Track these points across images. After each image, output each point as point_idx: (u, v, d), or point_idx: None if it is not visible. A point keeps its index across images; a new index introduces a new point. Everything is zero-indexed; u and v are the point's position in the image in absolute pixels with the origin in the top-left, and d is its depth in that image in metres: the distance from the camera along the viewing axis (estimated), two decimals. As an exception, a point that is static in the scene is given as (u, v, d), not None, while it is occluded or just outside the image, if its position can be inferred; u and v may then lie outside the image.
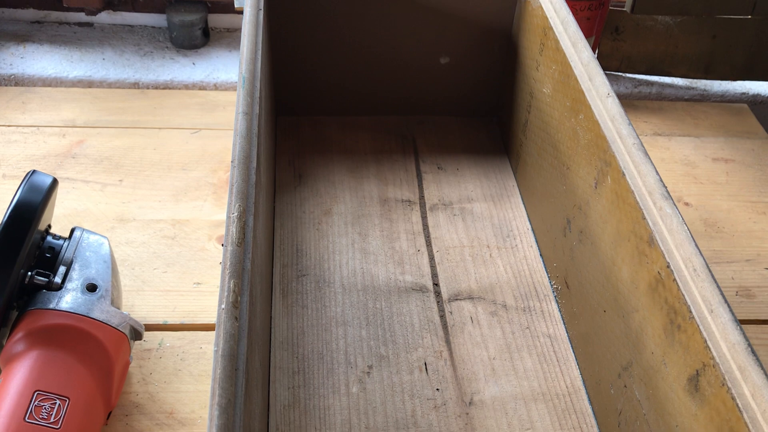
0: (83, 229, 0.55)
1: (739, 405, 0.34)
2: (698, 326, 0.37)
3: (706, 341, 0.37)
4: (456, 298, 0.60)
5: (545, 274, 0.62)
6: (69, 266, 0.52)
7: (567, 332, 0.58)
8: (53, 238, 0.53)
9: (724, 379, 0.35)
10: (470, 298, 0.60)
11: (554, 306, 0.60)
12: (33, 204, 0.49)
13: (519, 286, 0.61)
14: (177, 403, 0.54)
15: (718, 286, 0.38)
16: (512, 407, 0.53)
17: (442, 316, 0.59)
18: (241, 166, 0.42)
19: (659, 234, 0.42)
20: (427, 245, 0.65)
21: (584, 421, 0.52)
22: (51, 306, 0.49)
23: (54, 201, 0.53)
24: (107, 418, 0.50)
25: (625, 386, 0.47)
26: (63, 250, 0.53)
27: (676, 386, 0.40)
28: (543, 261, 0.63)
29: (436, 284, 0.61)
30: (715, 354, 0.36)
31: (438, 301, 0.60)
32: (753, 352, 0.34)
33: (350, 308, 0.59)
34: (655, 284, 0.42)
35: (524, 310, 0.60)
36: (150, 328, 0.59)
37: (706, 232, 0.71)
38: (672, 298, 0.40)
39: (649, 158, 0.45)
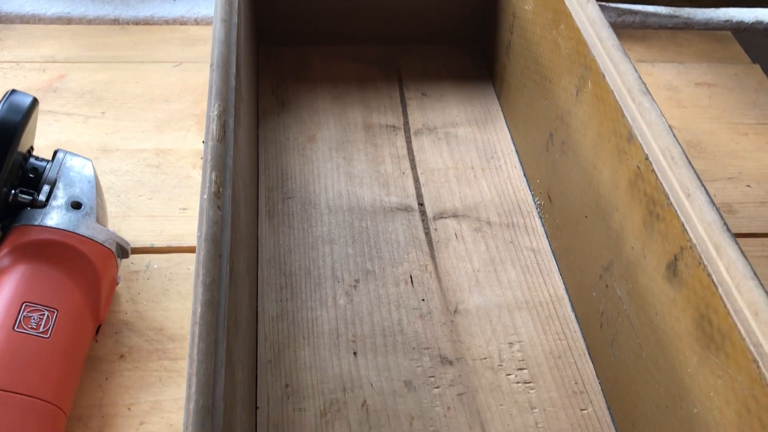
0: (66, 152, 0.55)
1: (715, 281, 0.35)
2: (676, 212, 0.38)
3: (683, 225, 0.37)
4: (441, 216, 0.61)
5: (528, 191, 0.63)
6: (53, 185, 0.52)
7: (550, 245, 0.59)
8: (36, 159, 0.53)
9: (701, 258, 0.36)
10: (455, 216, 0.61)
11: (537, 221, 0.61)
12: (13, 122, 0.49)
13: (503, 204, 0.62)
14: (166, 321, 0.54)
15: (695, 172, 0.38)
16: (496, 315, 0.54)
17: (427, 234, 0.59)
18: (220, 69, 0.42)
19: (638, 129, 0.42)
20: (412, 168, 0.65)
21: (567, 327, 0.53)
22: (36, 222, 0.49)
23: (35, 121, 0.53)
24: (96, 333, 0.51)
25: (607, 286, 0.48)
26: (46, 171, 0.53)
27: (655, 275, 0.41)
28: (526, 180, 0.64)
29: (421, 204, 0.62)
30: (692, 236, 0.37)
31: (423, 220, 0.60)
32: (728, 229, 0.35)
33: (336, 228, 0.59)
34: (634, 179, 0.43)
35: (508, 226, 0.60)
36: (137, 251, 0.59)
37: (689, 153, 0.72)
38: (651, 189, 0.41)
39: (628, 57, 0.45)
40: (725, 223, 0.36)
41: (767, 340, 0.31)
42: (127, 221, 0.61)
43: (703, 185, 0.37)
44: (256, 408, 0.47)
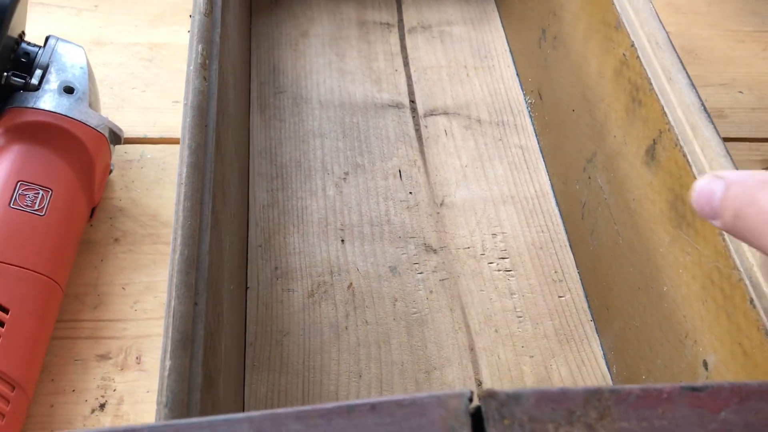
0: (58, 38, 0.55)
1: (690, 161, 0.36)
2: (657, 96, 0.39)
3: (663, 108, 0.38)
4: (431, 113, 0.61)
5: (520, 91, 0.63)
6: (45, 70, 0.52)
7: (538, 142, 0.59)
8: (28, 45, 0.53)
9: (677, 139, 0.37)
10: (445, 113, 0.61)
11: (527, 120, 0.61)
12: (3, 2, 0.49)
13: (494, 103, 0.62)
14: (159, 208, 0.55)
15: (677, 56, 0.38)
16: (481, 208, 0.55)
17: (417, 130, 0.60)
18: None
19: (626, 16, 0.42)
20: (405, 65, 0.65)
21: (550, 220, 0.54)
22: (29, 105, 0.50)
23: (25, 5, 0.53)
24: (91, 217, 0.52)
25: (589, 178, 0.49)
26: (38, 56, 0.53)
27: (634, 162, 0.42)
28: (519, 79, 0.64)
29: (412, 101, 0.62)
30: (671, 118, 0.37)
31: (414, 116, 0.61)
32: (705, 110, 0.36)
33: (327, 122, 0.60)
34: (619, 67, 0.43)
35: (498, 124, 0.61)
36: (130, 141, 0.60)
37: (683, 58, 0.72)
38: (634, 75, 0.41)
39: (621, -56, 0.45)
40: (703, 105, 0.36)
41: (733, 214, 0.33)
42: (121, 112, 0.62)
43: (684, 68, 0.38)
44: (247, 288, 0.49)
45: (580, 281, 0.51)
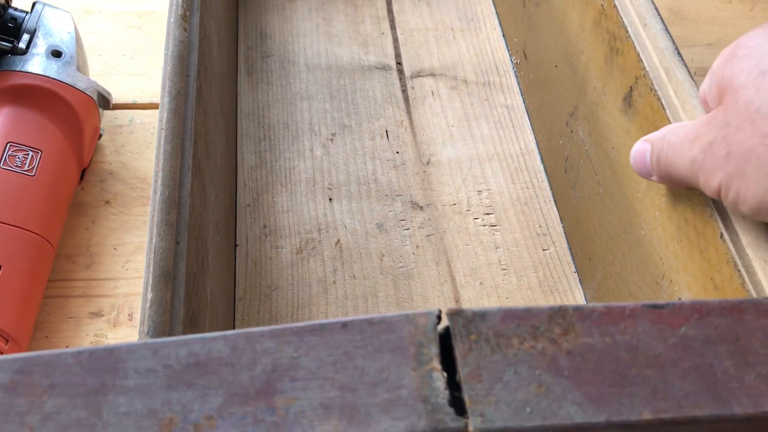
0: (45, 3, 0.55)
1: (664, 104, 0.36)
2: (633, 43, 0.39)
3: (639, 54, 0.39)
4: (418, 75, 0.62)
5: (506, 51, 0.63)
6: (32, 34, 0.52)
7: (524, 101, 0.60)
8: (15, 10, 0.54)
9: (652, 84, 0.37)
10: (432, 75, 0.62)
11: (513, 80, 0.61)
12: (-12, -33, 0.49)
13: (480, 64, 0.63)
14: (149, 171, 0.56)
15: (653, 3, 0.39)
16: (467, 166, 0.55)
17: (404, 91, 0.60)
18: None
19: (604, -34, 0.43)
20: (392, 28, 0.65)
21: (535, 177, 0.55)
22: (17, 68, 0.50)
23: (11, -29, 0.53)
24: (82, 179, 0.53)
25: (572, 131, 0.49)
26: (25, 21, 0.53)
27: (613, 111, 0.42)
28: (505, 40, 0.64)
29: (399, 63, 0.62)
30: (646, 64, 0.38)
31: (400, 78, 0.61)
32: (679, 54, 0.36)
33: (314, 85, 0.60)
34: (598, 18, 0.43)
35: (484, 85, 0.61)
36: (120, 107, 0.60)
37: (669, 19, 0.72)
38: (612, 25, 0.42)
39: None
40: (676, 48, 0.37)
41: (705, 152, 0.33)
42: (110, 79, 0.62)
43: (659, 14, 0.38)
44: (236, 245, 0.50)
45: (563, 234, 0.52)
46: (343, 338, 0.22)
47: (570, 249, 0.51)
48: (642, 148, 0.32)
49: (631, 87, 0.40)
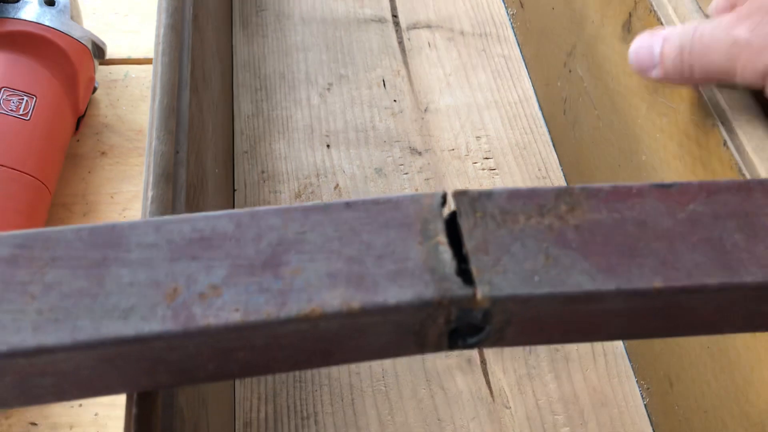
0: (36, -46, 0.55)
1: (664, 23, 0.36)
2: (632, -33, 0.39)
3: (638, -22, 0.38)
4: (414, 27, 0.61)
5: (502, 3, 0.63)
6: (25, -17, 0.52)
7: (521, 52, 0.59)
8: (6, -40, 0.53)
9: (652, 6, 0.37)
10: (428, 26, 0.61)
11: (510, 31, 0.61)
12: None
13: (476, 15, 0.62)
14: (145, 123, 0.56)
15: (652, -75, 0.39)
16: (465, 113, 0.55)
17: (401, 42, 0.60)
18: None
19: None
20: (387, -17, 0.65)
21: (533, 123, 0.55)
22: (10, 16, 0.50)
23: None
24: (77, 129, 0.52)
25: (570, 71, 0.49)
26: (17, -29, 0.53)
27: (612, 41, 0.42)
28: (501, -8, 0.64)
29: (395, 15, 0.62)
30: (645, -14, 0.38)
31: (397, 30, 0.61)
32: (678, -29, 0.36)
33: (310, 37, 0.60)
34: (596, -51, 0.43)
35: (480, 36, 0.61)
36: (115, 62, 0.60)
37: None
38: (611, -47, 0.41)
39: None
40: (677, -33, 0.36)
41: (707, 64, 0.33)
42: (104, 36, 0.61)
43: (658, -65, 0.38)
44: (234, 191, 0.50)
45: (563, 176, 0.52)
46: (349, 216, 0.22)
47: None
48: (649, 42, 0.32)
49: (630, 13, 0.39)
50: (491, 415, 0.41)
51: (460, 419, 0.40)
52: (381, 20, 0.62)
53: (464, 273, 0.21)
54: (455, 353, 0.42)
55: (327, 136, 0.53)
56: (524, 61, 0.59)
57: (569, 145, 0.50)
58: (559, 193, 0.23)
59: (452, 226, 0.22)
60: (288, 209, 0.22)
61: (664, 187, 0.23)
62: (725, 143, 0.31)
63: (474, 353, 0.43)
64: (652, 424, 0.41)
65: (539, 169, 0.52)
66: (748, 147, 0.30)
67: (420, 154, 0.53)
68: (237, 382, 0.41)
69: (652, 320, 0.22)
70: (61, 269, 0.20)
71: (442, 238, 0.21)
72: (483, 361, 0.43)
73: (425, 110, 0.55)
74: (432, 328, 0.21)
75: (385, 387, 0.41)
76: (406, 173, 0.51)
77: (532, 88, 0.57)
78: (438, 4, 0.63)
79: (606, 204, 0.22)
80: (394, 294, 0.20)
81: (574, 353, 0.43)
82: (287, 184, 0.50)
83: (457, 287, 0.20)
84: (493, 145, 0.53)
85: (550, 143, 0.53)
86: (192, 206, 0.29)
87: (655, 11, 0.37)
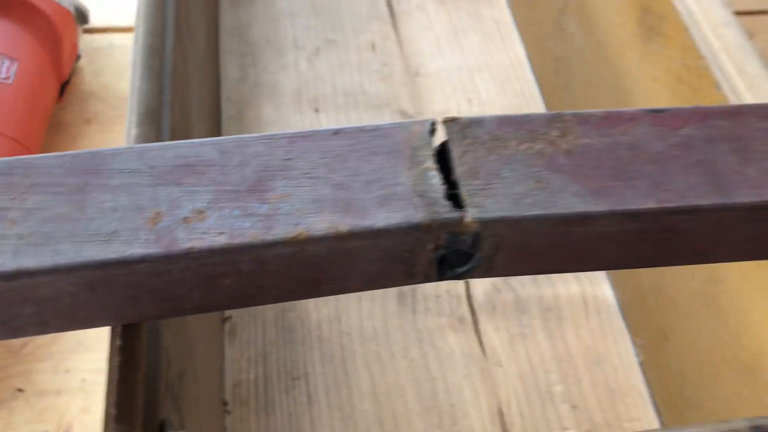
0: None
1: (655, -30, 0.36)
2: None
3: (628, -74, 0.38)
4: (403, -8, 0.61)
5: (492, -32, 0.63)
6: (5, -53, 0.51)
7: (512, 16, 0.59)
8: (-14, -75, 0.52)
9: (643, -48, 0.37)
10: (417, -9, 0.61)
11: (500, -5, 0.61)
12: None
13: (466, -20, 0.62)
14: (131, 90, 0.55)
15: None
16: (456, 76, 0.55)
17: (390, 6, 0.59)
18: None
19: None
20: (375, -50, 0.64)
21: (526, 86, 0.54)
22: (-9, -21, 0.49)
23: None
24: (61, 96, 0.52)
25: (562, 29, 0.48)
26: (-2, -65, 0.52)
27: (603, -6, 0.42)
28: (490, -43, 0.63)
29: (383, -19, 0.61)
30: (636, -66, 0.37)
31: (385, -4, 0.60)
32: None
33: (297, 2, 0.59)
34: None
35: (471, 0, 0.60)
36: (98, 30, 0.59)
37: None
38: None
39: None
40: None
41: (699, 7, 0.33)
42: (87, 2, 0.60)
43: None
44: (221, 155, 0.49)
45: (555, 138, 0.51)
46: (336, 143, 0.21)
47: (561, 150, 0.50)
48: None
49: (621, -38, 0.39)
50: (483, 374, 0.40)
51: (452, 377, 0.40)
52: (369, -14, 0.61)
53: (454, 198, 0.21)
54: (447, 312, 0.42)
55: (315, 100, 0.53)
56: (516, 24, 0.58)
57: (562, 106, 0.50)
58: (550, 119, 0.22)
59: (442, 154, 0.22)
60: (274, 136, 0.21)
61: (656, 112, 0.23)
62: (718, 85, 0.31)
63: (466, 312, 0.43)
64: (646, 380, 0.41)
65: (530, 131, 0.52)
66: (741, 86, 0.30)
67: (411, 117, 0.52)
68: (226, 343, 0.41)
69: (646, 246, 0.22)
70: (41, 195, 0.19)
71: (432, 163, 0.21)
72: (475, 321, 0.42)
73: (415, 74, 0.55)
74: (421, 254, 0.21)
75: (377, 346, 0.41)
76: (397, 136, 0.51)
77: (524, 51, 0.57)
78: (427, -31, 0.62)
79: (598, 129, 0.22)
80: (383, 218, 0.20)
81: (567, 312, 0.43)
82: (276, 148, 0.49)
83: (446, 211, 0.20)
84: (485, 108, 0.53)
85: (543, 106, 0.53)
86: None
87: (646, -42, 0.36)
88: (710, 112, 0.23)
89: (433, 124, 0.22)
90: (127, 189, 0.20)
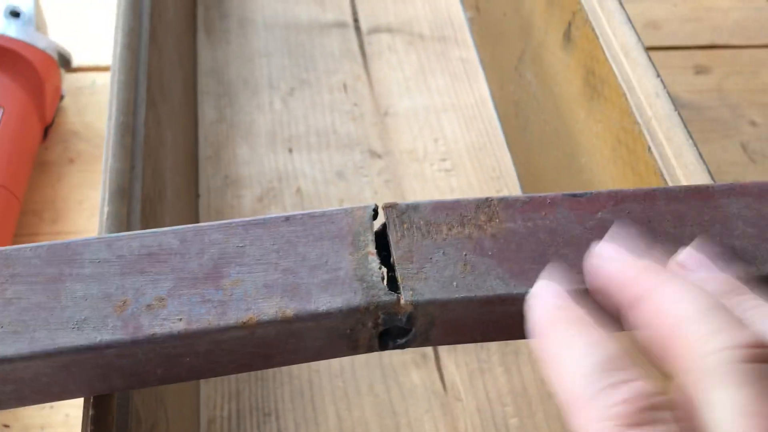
0: (1, -34, 0.56)
1: (597, 33, 0.38)
2: (570, -20, 0.41)
3: (575, -10, 0.41)
4: (375, 31, 0.63)
5: (460, 6, 0.65)
6: (-11, -4, 0.53)
7: (478, 55, 0.62)
8: (-29, -27, 0.54)
9: (587, 16, 0.39)
10: (388, 30, 0.63)
11: (467, 34, 0.63)
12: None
13: (435, 19, 0.64)
14: (112, 130, 0.57)
15: (587, -59, 0.41)
16: (423, 116, 0.57)
17: (361, 47, 0.62)
18: None
19: None
20: (348, -12, 0.66)
21: (489, 125, 0.57)
22: (-25, 29, 0.51)
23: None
24: (45, 138, 0.54)
25: (520, 76, 0.51)
26: (-18, -17, 0.54)
27: (555, 48, 0.44)
28: (458, -4, 0.66)
29: (356, 20, 0.64)
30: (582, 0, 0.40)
31: (358, 34, 0.63)
32: (610, -15, 0.38)
33: (273, 42, 0.61)
34: (539, -39, 0.45)
35: (439, 39, 0.63)
36: (81, 69, 0.61)
37: (619, -25, 0.74)
38: (551, -35, 0.44)
39: None
40: (608, -19, 0.39)
41: (635, 76, 0.35)
42: (70, 43, 0.63)
43: (592, -49, 0.40)
44: (197, 196, 0.51)
45: (516, 176, 0.54)
46: (286, 230, 0.24)
47: (522, 189, 0.53)
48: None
49: (569, 22, 0.42)
50: (444, 408, 0.43)
51: (414, 412, 0.42)
52: (342, 25, 0.63)
53: (391, 280, 0.23)
54: (410, 349, 0.45)
55: (289, 140, 0.55)
56: (481, 63, 0.61)
57: (521, 147, 0.53)
58: (479, 204, 0.25)
59: (383, 237, 0.24)
60: (230, 224, 0.24)
61: (576, 197, 0.25)
62: (649, 149, 0.34)
63: (429, 348, 0.45)
64: (596, 411, 0.43)
65: (493, 170, 0.54)
66: (669, 152, 0.33)
67: (380, 157, 0.55)
68: (202, 381, 0.43)
69: (564, 319, 0.24)
70: (20, 285, 0.22)
71: (372, 248, 0.24)
72: (437, 356, 0.45)
73: (385, 114, 0.57)
74: (362, 331, 0.23)
75: (343, 383, 0.43)
76: (366, 176, 0.53)
77: (488, 90, 0.59)
78: (398, 7, 0.65)
79: (522, 213, 0.25)
80: (325, 302, 0.22)
81: (523, 347, 0.46)
82: (250, 189, 0.52)
83: (383, 294, 0.23)
84: (450, 147, 0.56)
85: (505, 145, 0.56)
86: (149, 218, 0.31)
87: (590, 21, 0.39)
88: (624, 195, 0.25)
89: (375, 209, 0.25)
90: (98, 278, 0.22)
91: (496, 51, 0.57)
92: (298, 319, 0.22)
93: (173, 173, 0.40)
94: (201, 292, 0.22)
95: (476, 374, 0.44)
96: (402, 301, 0.22)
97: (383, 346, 0.24)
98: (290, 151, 0.54)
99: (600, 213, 0.25)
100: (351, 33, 0.63)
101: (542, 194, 0.25)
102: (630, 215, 0.25)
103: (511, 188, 0.53)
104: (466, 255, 0.23)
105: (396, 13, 0.65)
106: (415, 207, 0.25)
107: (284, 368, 0.43)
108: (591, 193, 0.25)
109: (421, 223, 0.24)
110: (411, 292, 0.23)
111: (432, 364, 0.44)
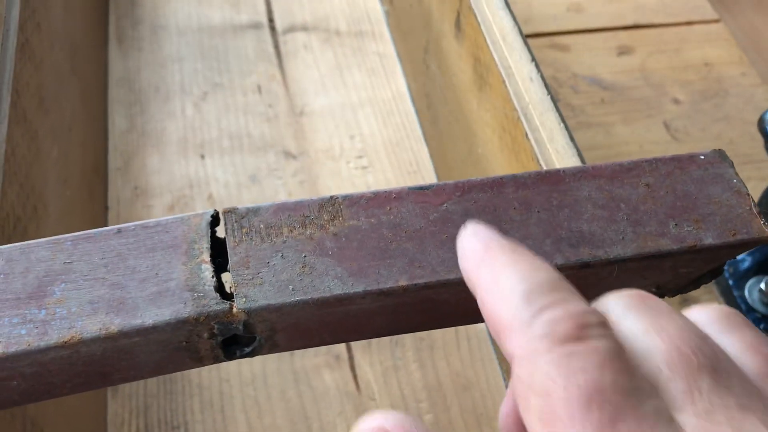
0: None
1: (481, 21, 0.38)
2: (455, -32, 0.40)
3: (460, -22, 0.40)
4: (290, 30, 0.62)
5: (377, 0, 0.65)
6: None
7: (395, 48, 0.61)
8: None
9: (470, 3, 0.39)
10: (304, 29, 0.62)
11: (385, 28, 0.63)
12: None
13: (352, 13, 0.64)
14: None
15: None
16: (340, 113, 0.57)
17: (276, 47, 0.61)
18: None
19: None
20: (264, -12, 0.66)
21: (407, 119, 0.56)
22: None
23: None
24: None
25: (428, 67, 0.51)
26: None
27: (450, 38, 0.44)
28: (375, -10, 0.65)
29: (271, 20, 0.63)
30: (466, -13, 0.39)
31: (273, 34, 0.62)
32: (491, -27, 0.38)
33: (185, 47, 0.60)
34: (431, -50, 0.45)
35: (356, 34, 0.62)
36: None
37: (541, -39, 0.74)
38: (440, -46, 0.43)
39: None
40: (489, -32, 0.38)
41: (512, 61, 0.35)
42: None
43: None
44: (106, 208, 0.50)
45: (433, 169, 0.53)
46: (117, 242, 0.23)
47: (438, 180, 0.52)
48: None
49: (458, 11, 0.41)
50: (357, 409, 0.42)
51: (326, 415, 0.42)
52: (257, 26, 0.62)
53: (224, 289, 0.22)
54: (323, 350, 0.44)
55: (201, 146, 0.54)
56: (398, 56, 0.60)
57: (435, 140, 0.52)
58: (323, 204, 0.24)
59: (222, 244, 0.23)
60: (59, 240, 0.23)
61: (421, 190, 0.25)
62: (526, 135, 0.33)
63: (342, 349, 0.44)
64: (514, 401, 0.43)
65: (410, 164, 0.54)
66: (544, 136, 0.32)
67: (294, 157, 0.54)
68: (109, 397, 0.42)
69: (411, 315, 0.24)
70: None
71: (206, 257, 0.23)
72: (351, 357, 0.44)
73: (300, 113, 0.56)
74: (200, 342, 0.22)
75: (254, 391, 0.42)
76: (280, 178, 0.53)
77: (405, 83, 0.59)
78: (314, 5, 0.64)
79: (366, 210, 0.24)
80: (152, 315, 0.21)
81: (439, 341, 0.45)
82: (160, 198, 0.51)
83: (214, 303, 0.22)
84: (367, 143, 0.55)
85: (422, 138, 0.55)
86: (15, 237, 0.30)
87: (473, 9, 0.38)
88: (471, 185, 0.25)
89: (215, 215, 0.24)
90: None
91: (408, 44, 0.56)
92: (123, 335, 0.21)
93: (62, 188, 0.39)
94: (23, 312, 0.21)
95: (390, 372, 0.44)
96: (234, 310, 0.22)
97: (230, 356, 0.24)
98: (202, 156, 0.53)
99: (445, 204, 0.24)
100: (266, 33, 0.62)
101: (388, 189, 0.25)
102: (476, 204, 0.24)
103: (429, 181, 0.53)
104: (305, 256, 0.23)
105: (312, 10, 0.64)
106: (255, 210, 0.24)
107: (194, 379, 0.43)
108: (437, 185, 0.25)
109: (261, 226, 0.24)
110: (244, 299, 0.22)
111: (345, 365, 0.44)
